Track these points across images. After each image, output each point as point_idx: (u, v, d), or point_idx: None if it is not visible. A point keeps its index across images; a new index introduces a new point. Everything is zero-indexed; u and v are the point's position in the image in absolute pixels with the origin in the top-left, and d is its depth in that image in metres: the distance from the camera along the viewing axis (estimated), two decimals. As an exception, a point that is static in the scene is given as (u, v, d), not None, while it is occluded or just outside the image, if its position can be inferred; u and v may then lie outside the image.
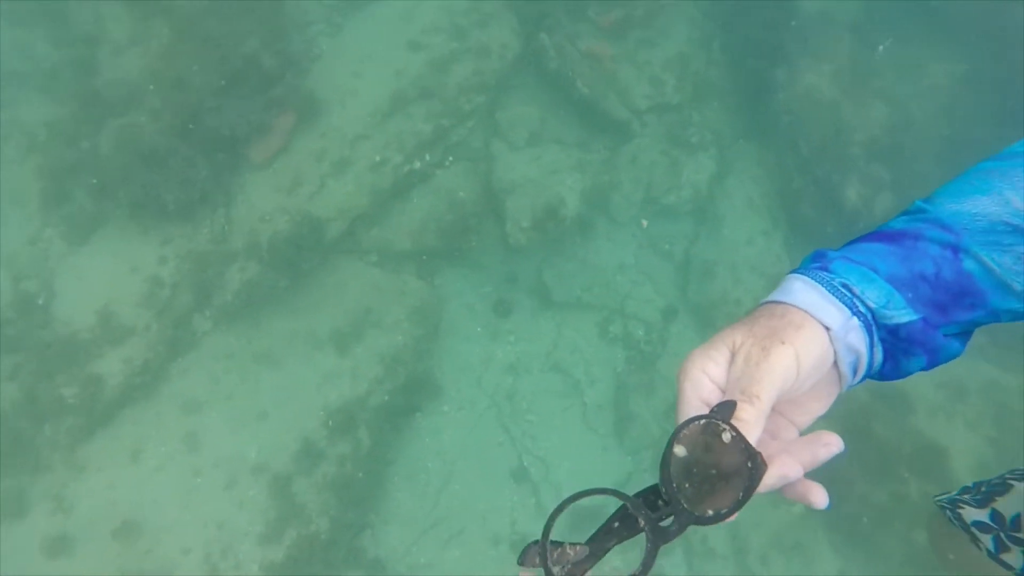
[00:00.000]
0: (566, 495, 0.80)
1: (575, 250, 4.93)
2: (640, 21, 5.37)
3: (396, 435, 4.24)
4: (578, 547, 0.76)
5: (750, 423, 0.78)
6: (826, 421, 0.95)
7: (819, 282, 0.87)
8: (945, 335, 0.88)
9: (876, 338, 0.86)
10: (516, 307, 4.76)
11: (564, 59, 5.04)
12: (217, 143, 4.26)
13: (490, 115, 4.93)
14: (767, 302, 0.91)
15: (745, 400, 0.79)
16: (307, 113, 4.51)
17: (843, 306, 0.85)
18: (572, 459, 4.65)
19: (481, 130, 4.86)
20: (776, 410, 0.89)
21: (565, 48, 5.12)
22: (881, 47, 5.33)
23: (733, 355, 0.85)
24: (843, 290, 0.86)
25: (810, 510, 4.58)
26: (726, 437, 0.76)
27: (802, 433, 0.91)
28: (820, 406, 0.91)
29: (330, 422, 4.08)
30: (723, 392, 0.84)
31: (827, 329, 0.84)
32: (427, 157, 4.58)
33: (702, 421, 0.77)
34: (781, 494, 0.84)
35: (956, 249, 0.87)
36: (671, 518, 0.76)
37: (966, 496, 1.24)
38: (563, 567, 0.74)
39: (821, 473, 0.87)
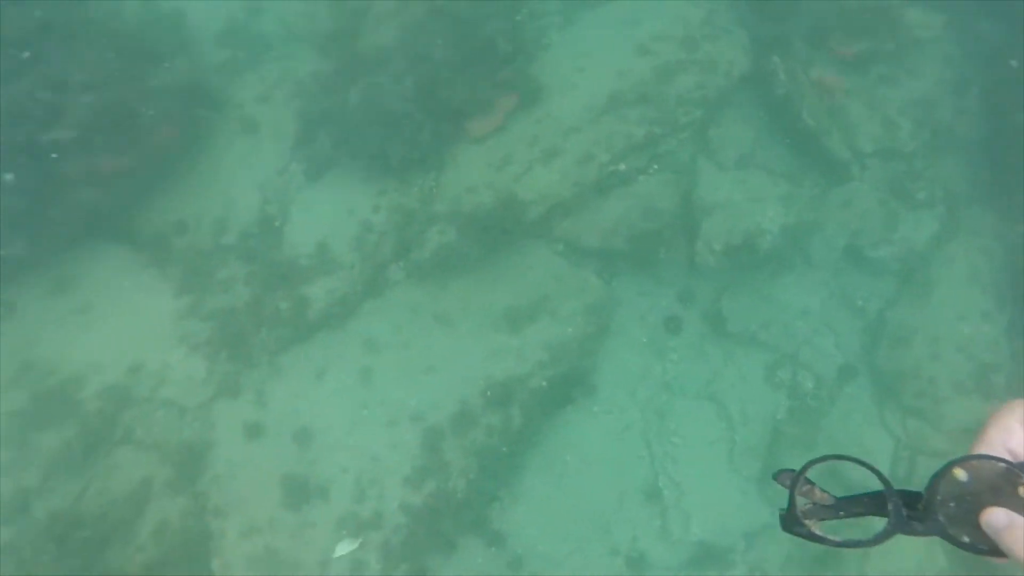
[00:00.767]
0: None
1: (760, 284, 4.73)
2: (887, 56, 4.98)
3: (545, 421, 4.35)
4: (827, 495, 0.82)
5: None
6: None
7: None
8: None
9: None
10: (687, 327, 4.67)
11: (794, 85, 4.81)
12: (444, 113, 4.57)
13: (703, 130, 4.84)
14: None
15: None
16: (528, 98, 4.71)
17: None
18: (708, 493, 4.51)
19: (691, 144, 4.79)
20: None
21: (797, 74, 4.88)
22: None
23: None
24: None
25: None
26: (1022, 492, 0.76)
27: None
28: None
29: (488, 392, 4.28)
30: None
31: None
32: (634, 161, 4.60)
33: (1002, 465, 0.78)
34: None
35: None
36: (920, 523, 0.79)
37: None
38: (808, 501, 0.82)
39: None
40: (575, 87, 4.87)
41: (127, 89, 4.38)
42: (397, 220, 4.55)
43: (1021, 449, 0.82)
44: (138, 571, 3.66)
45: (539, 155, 4.57)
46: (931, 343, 4.59)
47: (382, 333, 4.46)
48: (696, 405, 4.60)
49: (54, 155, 4.20)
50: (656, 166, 4.69)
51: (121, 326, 4.39)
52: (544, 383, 4.32)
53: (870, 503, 0.81)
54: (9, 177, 4.14)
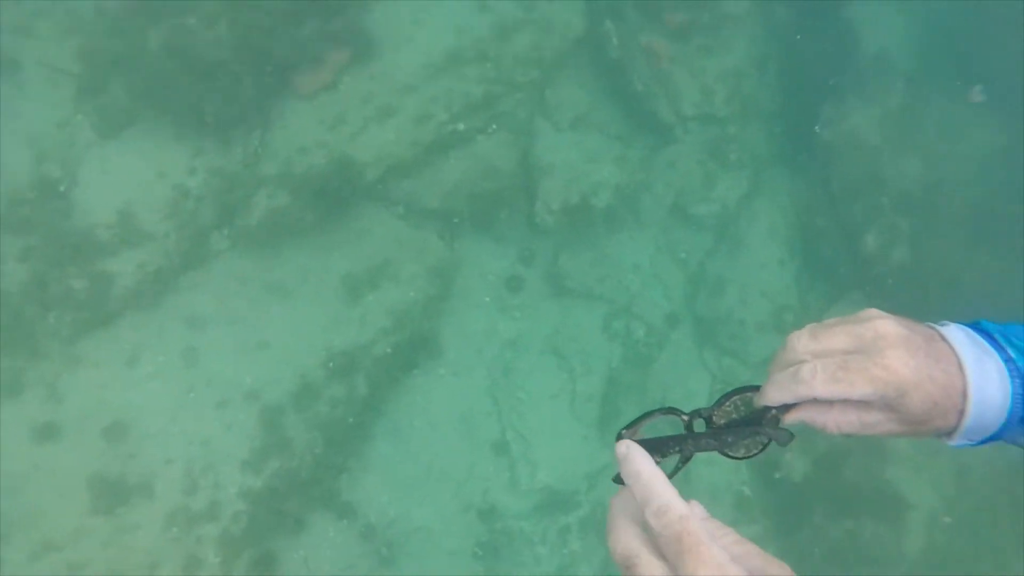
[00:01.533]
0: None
1: (596, 241, 4.97)
2: (705, 27, 5.33)
3: (392, 387, 4.29)
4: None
5: None
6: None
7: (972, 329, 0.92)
8: None
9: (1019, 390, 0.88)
10: (528, 285, 4.80)
11: (626, 50, 4.99)
12: (266, 65, 4.17)
13: (540, 91, 4.89)
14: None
15: None
16: (361, 52, 4.43)
17: (989, 347, 0.89)
18: (552, 442, 4.76)
19: (528, 104, 4.83)
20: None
21: (628, 40, 5.07)
22: (974, 94, 5.29)
23: None
24: (995, 335, 0.91)
25: (765, 533, 4.75)
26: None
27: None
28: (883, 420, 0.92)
29: (331, 364, 4.11)
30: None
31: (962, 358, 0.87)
32: (472, 121, 4.54)
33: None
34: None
35: None
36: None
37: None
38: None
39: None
40: (411, 41, 4.66)
41: None
42: (218, 183, 4.12)
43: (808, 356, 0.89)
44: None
45: (374, 113, 4.35)
46: (740, 290, 5.15)
47: (206, 308, 4.07)
48: (539, 360, 4.79)
49: None
50: (495, 126, 4.67)
51: None
52: (389, 350, 4.24)
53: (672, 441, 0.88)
54: None
